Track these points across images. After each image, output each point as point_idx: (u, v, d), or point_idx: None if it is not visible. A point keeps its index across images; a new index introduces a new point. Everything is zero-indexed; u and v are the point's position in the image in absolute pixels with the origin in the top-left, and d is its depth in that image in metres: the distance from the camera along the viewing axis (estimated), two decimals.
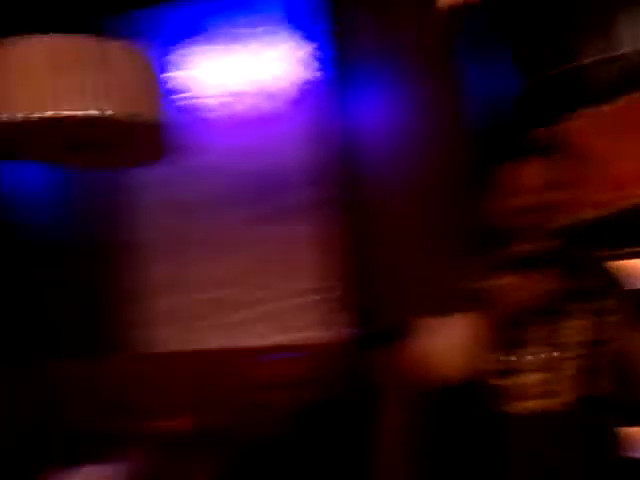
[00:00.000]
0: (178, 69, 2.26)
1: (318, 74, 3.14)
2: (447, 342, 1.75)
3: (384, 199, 2.94)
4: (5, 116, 1.99)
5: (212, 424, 2.67)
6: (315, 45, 3.15)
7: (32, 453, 2.77)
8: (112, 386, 3.05)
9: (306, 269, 3.10)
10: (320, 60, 3.13)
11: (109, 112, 2.00)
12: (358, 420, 2.22)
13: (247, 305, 3.17)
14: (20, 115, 1.97)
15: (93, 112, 1.98)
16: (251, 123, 3.24)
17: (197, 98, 3.17)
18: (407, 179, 2.90)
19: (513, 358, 1.65)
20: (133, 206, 3.39)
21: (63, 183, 3.44)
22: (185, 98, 2.26)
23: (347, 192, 3.01)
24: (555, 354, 1.62)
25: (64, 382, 3.08)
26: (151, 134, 2.19)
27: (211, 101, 3.29)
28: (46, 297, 3.45)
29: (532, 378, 1.62)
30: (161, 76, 2.15)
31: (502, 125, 2.63)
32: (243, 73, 3.26)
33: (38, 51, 2.02)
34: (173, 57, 2.24)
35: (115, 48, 2.08)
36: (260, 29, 3.23)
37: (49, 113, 1.97)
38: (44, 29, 2.07)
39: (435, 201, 2.80)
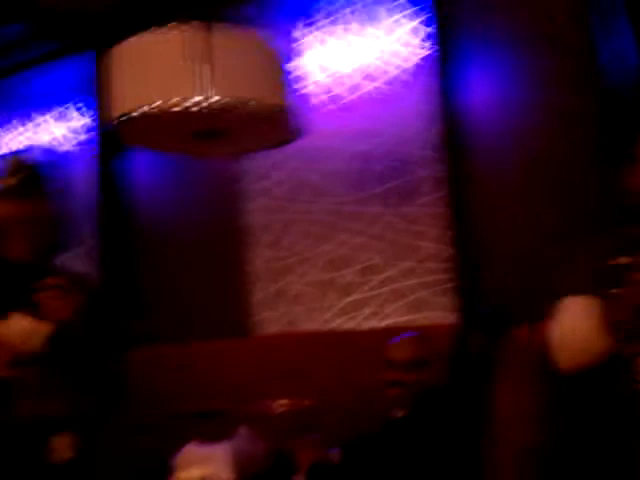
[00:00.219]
0: (295, 53, 2.24)
1: (427, 51, 3.06)
2: (578, 323, 1.68)
3: (501, 177, 2.84)
4: (136, 108, 2.03)
5: (322, 407, 2.65)
6: (423, 21, 3.07)
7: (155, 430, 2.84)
8: (224, 367, 3.08)
9: (418, 250, 3.03)
10: (429, 36, 3.05)
11: (235, 99, 2.01)
12: (475, 403, 2.15)
13: (358, 287, 3.14)
14: (147, 107, 2.01)
15: (218, 100, 1.99)
16: (363, 104, 3.19)
17: (312, 81, 3.15)
18: (526, 156, 2.78)
19: None
20: (245, 191, 3.42)
21: (183, 170, 3.52)
22: (301, 82, 2.24)
23: (461, 171, 2.92)
24: None
25: (184, 362, 3.15)
26: (274, 120, 2.18)
27: (324, 83, 3.27)
28: (165, 282, 3.55)
29: None
30: (282, 61, 2.14)
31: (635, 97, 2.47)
32: (356, 54, 3.22)
33: (167, 42, 2.06)
34: (291, 42, 2.23)
35: (240, 35, 2.09)
36: (369, 9, 3.19)
37: (175, 103, 1.99)
38: (168, 21, 2.10)
39: (559, 178, 2.68)
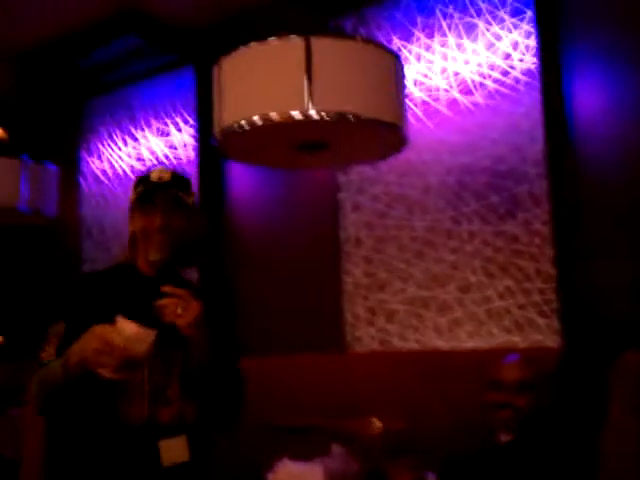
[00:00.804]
0: (394, 67, 2.21)
1: (529, 64, 2.97)
2: None
3: (610, 195, 2.71)
4: (240, 122, 2.04)
5: (418, 428, 2.59)
6: (524, 33, 2.99)
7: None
8: (316, 383, 3.06)
9: (518, 269, 2.92)
10: (530, 49, 2.96)
11: (335, 113, 1.99)
12: (583, 430, 2.04)
13: (454, 306, 3.05)
14: (251, 121, 2.02)
15: (319, 113, 1.98)
16: (461, 118, 3.13)
17: (409, 96, 3.12)
18: (638, 174, 2.64)
19: None
20: (341, 205, 3.40)
21: (280, 184, 3.55)
22: (400, 95, 2.21)
23: (565, 187, 2.81)
24: None
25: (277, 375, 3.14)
26: (376, 133, 2.16)
27: (421, 98, 3.23)
28: (260, 295, 3.58)
29: None
30: (383, 75, 2.12)
31: None
32: (454, 68, 3.17)
33: (268, 56, 2.07)
34: (391, 55, 2.21)
35: (340, 48, 2.07)
36: (467, 22, 3.13)
37: (277, 116, 1.99)
38: (269, 35, 2.11)
39: None
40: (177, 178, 1.77)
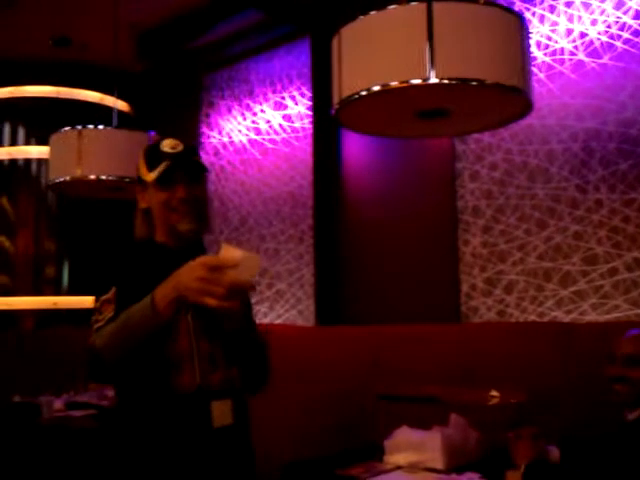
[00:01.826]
0: (519, 31, 2.12)
1: None
2: None
3: None
4: (359, 91, 2.03)
5: (538, 401, 2.53)
6: None
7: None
8: (433, 352, 3.05)
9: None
10: None
11: (456, 80, 1.95)
12: None
13: (577, 278, 2.95)
14: (371, 89, 2.00)
15: (440, 80, 1.94)
16: (587, 81, 2.99)
17: (532, 59, 3.01)
18: None
19: None
20: (458, 174, 3.35)
21: (397, 153, 3.54)
22: (525, 60, 2.13)
23: None
24: None
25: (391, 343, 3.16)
26: (499, 100, 2.10)
27: (544, 61, 3.11)
28: (375, 264, 3.60)
29: None
30: (506, 39, 2.04)
31: None
32: (579, 29, 3.02)
33: (388, 24, 2.04)
34: (515, 19, 2.13)
35: (462, 13, 2.01)
36: None
37: (398, 84, 1.96)
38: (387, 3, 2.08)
39: None
40: (188, 146, 1.76)
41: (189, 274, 1.43)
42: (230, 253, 1.42)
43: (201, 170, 1.74)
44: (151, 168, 1.70)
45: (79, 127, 3.70)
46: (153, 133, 3.98)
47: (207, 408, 1.61)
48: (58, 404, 3.49)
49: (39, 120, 5.30)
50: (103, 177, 3.63)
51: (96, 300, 1.63)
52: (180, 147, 1.73)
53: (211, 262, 1.43)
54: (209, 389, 1.62)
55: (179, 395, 1.59)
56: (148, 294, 1.48)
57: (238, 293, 1.44)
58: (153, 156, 1.72)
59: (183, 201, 1.67)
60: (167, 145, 1.72)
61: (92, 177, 3.63)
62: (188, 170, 1.71)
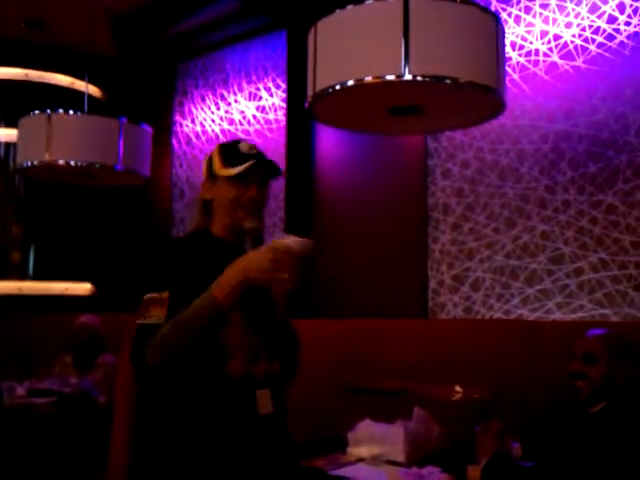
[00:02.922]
0: (494, 30, 2.14)
1: (634, 28, 2.83)
2: None
3: None
4: (334, 85, 2.04)
5: (501, 397, 2.56)
6: None
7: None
8: (399, 347, 3.07)
9: (612, 242, 2.83)
10: (637, 10, 2.82)
11: (431, 77, 1.96)
12: None
13: (543, 277, 2.99)
14: (346, 83, 2.01)
15: (415, 77, 1.96)
16: (559, 83, 3.02)
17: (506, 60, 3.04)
18: None
19: None
20: (429, 171, 3.37)
21: (368, 149, 3.55)
22: (499, 59, 2.15)
23: None
24: None
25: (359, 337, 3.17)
26: (473, 98, 2.12)
27: (518, 62, 3.14)
28: (344, 259, 3.61)
29: None
30: (482, 38, 2.06)
31: None
32: (554, 31, 3.06)
33: (364, 19, 2.04)
34: (491, 18, 2.14)
35: (439, 10, 2.02)
36: None
37: (373, 79, 1.97)
38: None
39: None
40: (259, 150, 1.84)
41: (260, 257, 1.56)
42: (293, 240, 1.60)
43: (278, 174, 1.83)
44: (231, 164, 1.76)
45: (49, 111, 3.64)
46: (124, 120, 3.93)
47: (253, 396, 1.69)
48: (20, 391, 3.44)
49: (8, 103, 5.21)
50: (72, 163, 3.59)
51: (142, 295, 1.67)
52: (255, 150, 1.81)
53: (281, 246, 1.57)
54: (254, 378, 1.69)
55: (228, 382, 1.65)
56: (205, 286, 1.56)
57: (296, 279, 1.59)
58: (232, 154, 1.79)
59: (252, 200, 1.76)
60: (245, 147, 1.81)
61: (61, 162, 3.58)
62: (269, 171, 1.80)
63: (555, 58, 3.04)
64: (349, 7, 2.07)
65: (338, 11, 2.09)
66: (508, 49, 3.11)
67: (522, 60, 3.13)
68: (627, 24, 2.86)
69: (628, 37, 2.86)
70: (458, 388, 2.61)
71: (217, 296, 1.54)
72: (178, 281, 1.65)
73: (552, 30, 3.06)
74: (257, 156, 1.78)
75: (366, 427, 2.51)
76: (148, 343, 1.58)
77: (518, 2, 3.15)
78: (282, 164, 3.95)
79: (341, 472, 2.23)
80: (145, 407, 2.36)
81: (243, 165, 1.73)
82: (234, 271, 1.56)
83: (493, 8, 3.15)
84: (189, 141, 4.59)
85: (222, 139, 4.38)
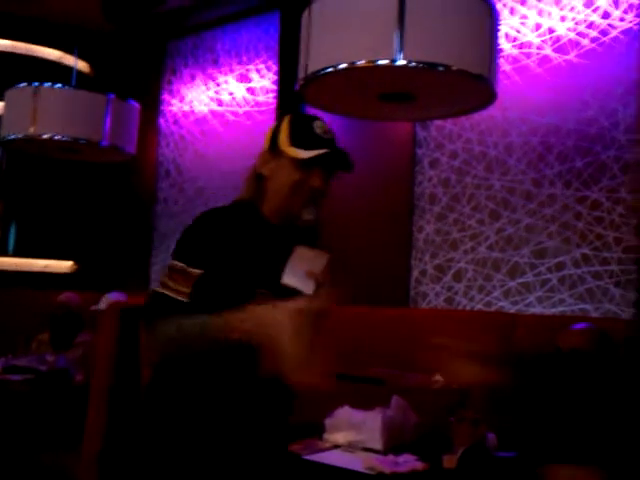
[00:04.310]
0: (489, 21, 2.13)
1: (628, 24, 2.82)
2: None
3: None
4: (325, 68, 2.02)
5: (480, 389, 2.57)
6: None
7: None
8: (379, 335, 3.07)
9: (595, 237, 2.84)
10: (632, 7, 2.81)
11: (424, 64, 1.95)
12: None
13: (525, 270, 3.00)
14: (336, 67, 1.99)
15: (407, 63, 1.94)
16: (551, 76, 3.02)
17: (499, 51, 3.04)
18: None
19: None
20: (417, 160, 3.35)
21: (357, 134, 3.52)
22: (492, 50, 2.14)
23: None
24: None
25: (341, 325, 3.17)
26: (465, 87, 2.11)
27: (511, 54, 3.13)
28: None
29: None
30: (477, 27, 2.05)
31: None
32: (548, 25, 3.05)
33: (358, 3, 2.02)
34: (487, 8, 2.13)
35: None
36: None
37: (364, 64, 1.95)
38: None
39: None
40: (333, 134, 1.65)
41: (278, 326, 1.44)
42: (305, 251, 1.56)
43: (349, 169, 1.65)
44: (300, 145, 1.60)
45: (36, 84, 3.59)
46: (112, 96, 3.89)
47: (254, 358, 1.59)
48: None
49: None
50: (57, 137, 3.55)
51: (173, 259, 1.56)
52: (330, 134, 1.63)
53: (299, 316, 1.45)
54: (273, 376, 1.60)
55: (259, 381, 1.57)
56: (242, 268, 1.48)
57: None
58: (304, 133, 1.61)
59: (315, 190, 1.62)
60: (320, 128, 1.63)
61: (46, 136, 3.55)
62: (340, 165, 1.63)
63: (548, 51, 3.04)
64: None
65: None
66: (502, 40, 3.09)
67: (515, 52, 3.12)
68: (621, 20, 2.86)
69: (622, 32, 2.86)
70: (438, 377, 2.62)
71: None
72: (215, 259, 1.53)
73: (546, 23, 3.05)
74: (331, 143, 1.61)
75: (344, 413, 2.50)
76: (161, 321, 1.49)
77: None
78: None
79: (316, 458, 2.22)
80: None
81: (315, 151, 1.57)
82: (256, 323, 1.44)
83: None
84: (176, 121, 4.54)
85: (211, 120, 4.34)
